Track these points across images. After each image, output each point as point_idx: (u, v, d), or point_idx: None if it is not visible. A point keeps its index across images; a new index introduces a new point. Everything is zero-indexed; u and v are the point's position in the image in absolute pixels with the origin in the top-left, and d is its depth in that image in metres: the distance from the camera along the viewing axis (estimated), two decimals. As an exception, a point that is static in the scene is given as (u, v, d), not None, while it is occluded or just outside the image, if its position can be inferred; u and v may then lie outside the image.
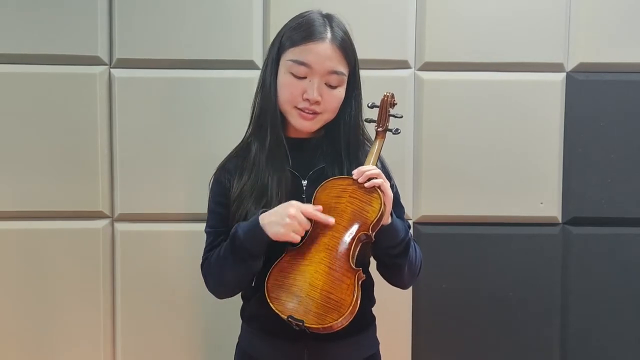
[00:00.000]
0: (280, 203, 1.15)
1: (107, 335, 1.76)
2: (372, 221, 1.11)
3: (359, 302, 1.07)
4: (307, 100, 1.16)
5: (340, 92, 1.20)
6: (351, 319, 1.06)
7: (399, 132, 1.26)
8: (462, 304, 1.78)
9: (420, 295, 1.78)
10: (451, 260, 1.77)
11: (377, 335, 1.31)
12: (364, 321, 1.26)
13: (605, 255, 1.78)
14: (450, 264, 1.77)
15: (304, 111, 1.18)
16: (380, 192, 1.12)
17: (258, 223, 1.12)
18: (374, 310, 1.30)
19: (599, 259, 1.78)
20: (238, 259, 1.15)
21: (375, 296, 1.30)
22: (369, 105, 1.27)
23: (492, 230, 1.77)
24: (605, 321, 1.79)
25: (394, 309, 1.72)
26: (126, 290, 1.75)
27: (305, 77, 1.16)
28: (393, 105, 1.26)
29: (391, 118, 1.26)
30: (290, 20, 1.22)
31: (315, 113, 1.18)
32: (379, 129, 1.25)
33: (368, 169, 1.14)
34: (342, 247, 1.11)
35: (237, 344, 1.31)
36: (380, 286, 1.29)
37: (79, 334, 1.75)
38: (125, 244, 1.74)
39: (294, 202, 1.12)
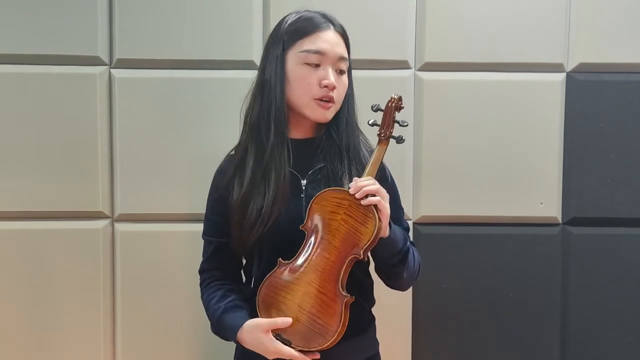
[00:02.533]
0: (279, 207, 1.15)
1: (107, 335, 1.76)
2: (365, 244, 1.08)
3: (345, 328, 1.08)
4: (326, 87, 1.16)
5: (347, 79, 1.22)
6: (338, 341, 1.09)
7: (404, 141, 1.16)
8: (462, 304, 1.78)
9: (420, 295, 1.78)
10: (451, 260, 1.77)
11: (377, 335, 1.31)
12: (363, 322, 1.26)
13: (605, 255, 1.78)
14: (450, 264, 1.77)
15: (322, 100, 1.17)
16: (375, 212, 1.07)
17: (235, 336, 1.17)
18: (374, 310, 1.30)
19: (599, 259, 1.78)
20: (216, 331, 1.24)
21: (375, 296, 1.30)
22: (373, 108, 1.17)
23: (492, 230, 1.77)
24: (605, 321, 1.79)
25: (394, 309, 1.72)
26: (126, 290, 1.75)
27: (318, 66, 1.17)
28: (400, 109, 1.16)
29: (396, 125, 1.15)
30: (283, 21, 1.21)
31: (331, 101, 1.17)
32: (381, 136, 1.15)
33: (366, 183, 1.09)
34: (332, 271, 1.10)
35: (236, 345, 1.31)
36: (381, 286, 1.29)
37: (79, 334, 1.75)
38: (125, 244, 1.74)
39: (270, 348, 1.11)
